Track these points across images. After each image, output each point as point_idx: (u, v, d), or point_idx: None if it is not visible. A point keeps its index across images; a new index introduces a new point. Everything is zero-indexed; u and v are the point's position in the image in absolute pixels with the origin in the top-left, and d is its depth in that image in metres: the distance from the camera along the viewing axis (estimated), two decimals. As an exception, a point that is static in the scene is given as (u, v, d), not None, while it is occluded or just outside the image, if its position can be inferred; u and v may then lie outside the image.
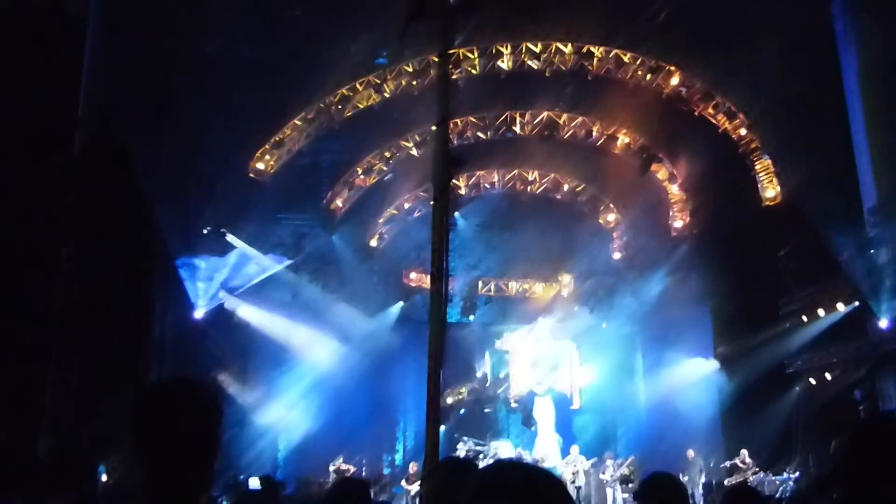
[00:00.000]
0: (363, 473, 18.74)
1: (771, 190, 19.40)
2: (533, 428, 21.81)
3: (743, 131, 19.43)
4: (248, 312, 19.56)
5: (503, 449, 19.57)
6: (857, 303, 17.52)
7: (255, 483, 13.46)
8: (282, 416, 19.65)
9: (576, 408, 22.58)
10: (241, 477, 15.77)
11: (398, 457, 22.18)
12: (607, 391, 22.73)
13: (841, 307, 18.02)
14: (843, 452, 2.33)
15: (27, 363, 11.38)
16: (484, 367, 22.68)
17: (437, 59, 2.17)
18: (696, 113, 19.41)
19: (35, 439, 11.51)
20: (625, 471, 18.11)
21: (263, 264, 19.87)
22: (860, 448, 2.30)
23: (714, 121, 19.48)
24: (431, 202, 2.04)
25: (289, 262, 20.41)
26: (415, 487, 17.38)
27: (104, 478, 13.46)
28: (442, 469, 3.28)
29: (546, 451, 19.84)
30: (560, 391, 22.20)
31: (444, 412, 21.11)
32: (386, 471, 20.54)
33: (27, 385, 11.43)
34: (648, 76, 19.01)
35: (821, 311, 18.53)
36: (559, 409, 21.74)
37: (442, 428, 17.44)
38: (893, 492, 2.19)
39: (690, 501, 16.11)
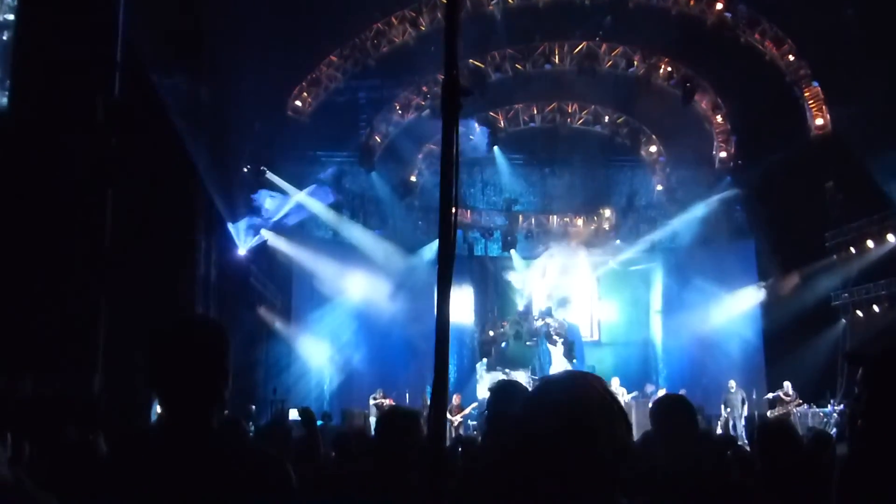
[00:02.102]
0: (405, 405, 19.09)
1: (820, 119, 18.86)
2: (575, 360, 21.98)
3: (791, 58, 18.83)
4: (289, 250, 19.77)
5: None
6: (908, 235, 17.16)
7: (294, 414, 13.85)
8: (326, 351, 20.02)
9: (594, 339, 22.85)
10: (288, 410, 16.18)
11: (441, 390, 22.52)
12: (636, 324, 22.83)
13: (891, 239, 17.65)
14: (864, 381, 2.32)
15: (80, 305, 11.69)
16: (525, 301, 22.76)
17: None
18: (742, 40, 18.81)
19: (90, 377, 11.87)
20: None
21: (304, 201, 20.00)
22: (879, 377, 2.28)
23: (760, 48, 18.89)
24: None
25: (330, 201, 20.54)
26: (457, 419, 17.69)
27: (158, 411, 13.93)
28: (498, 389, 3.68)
29: None
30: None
31: (485, 346, 21.58)
32: (430, 403, 20.88)
33: (81, 326, 11.75)
34: (692, 2, 18.43)
35: (870, 243, 18.17)
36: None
37: (484, 361, 17.69)
38: None
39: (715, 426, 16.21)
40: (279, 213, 19.15)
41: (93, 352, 11.97)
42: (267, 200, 18.80)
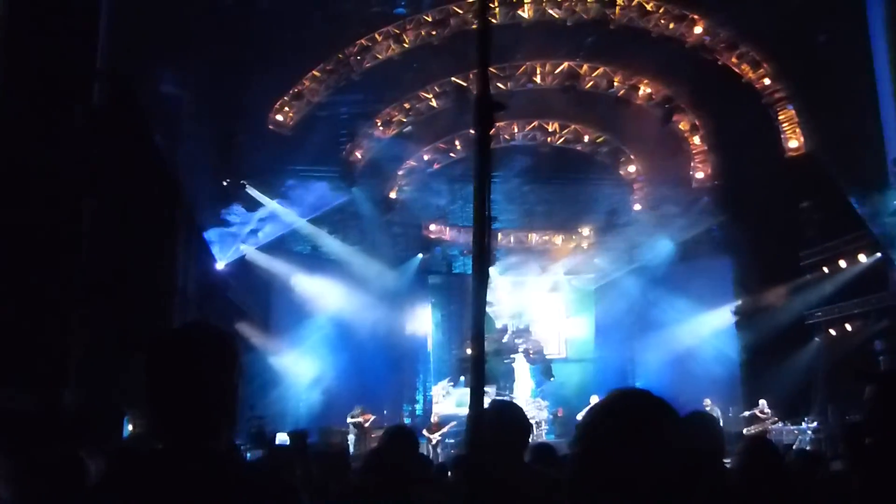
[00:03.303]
0: (384, 423, 19.01)
1: (794, 141, 19.15)
2: (552, 378, 22.05)
3: (767, 81, 19.13)
4: (269, 265, 19.69)
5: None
6: (878, 254, 17.43)
7: (283, 437, 13.66)
8: (304, 367, 19.90)
9: (561, 357, 23.14)
10: (267, 428, 16.03)
11: (419, 407, 22.47)
12: (612, 341, 22.85)
13: (863, 259, 17.94)
14: (874, 399, 2.33)
15: (52, 317, 11.55)
16: (504, 319, 22.79)
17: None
18: (720, 62, 19.10)
19: (61, 392, 11.72)
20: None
21: (283, 216, 19.94)
22: (890, 395, 2.31)
23: (738, 70, 19.18)
24: (474, 139, 2.02)
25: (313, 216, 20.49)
26: (436, 437, 17.63)
27: (129, 428, 13.74)
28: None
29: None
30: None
31: (464, 363, 21.54)
32: (406, 420, 20.81)
33: (53, 339, 11.61)
34: (672, 25, 18.70)
35: (842, 263, 18.44)
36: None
37: (461, 379, 17.63)
38: None
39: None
40: (252, 222, 19.03)
41: (65, 365, 11.82)
42: (235, 215, 18.68)
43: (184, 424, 2.04)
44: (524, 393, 20.75)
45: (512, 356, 22.04)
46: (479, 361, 1.94)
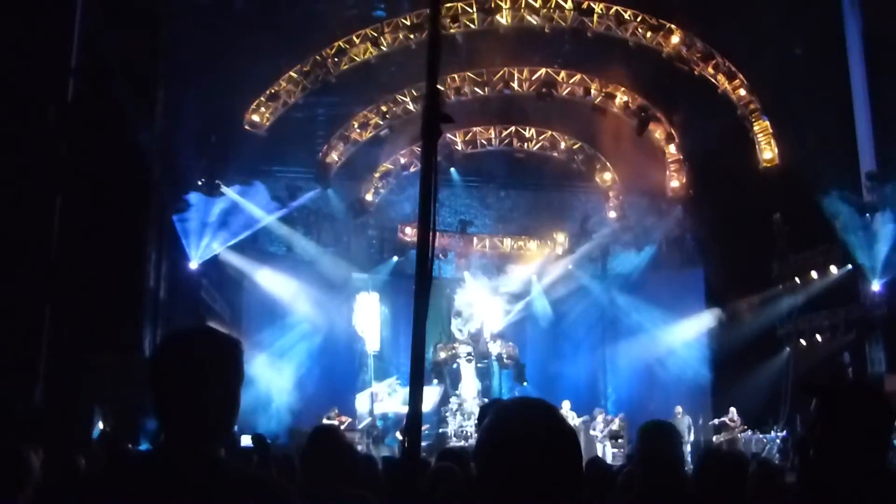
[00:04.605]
0: (357, 425, 18.91)
1: (769, 152, 19.33)
2: (525, 384, 22.02)
3: (742, 92, 19.30)
4: (241, 264, 19.53)
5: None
6: (849, 266, 17.64)
7: (246, 440, 13.55)
8: (275, 368, 19.73)
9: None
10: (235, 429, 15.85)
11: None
12: (584, 349, 22.68)
13: (834, 270, 18.16)
14: (816, 413, 2.39)
15: (23, 313, 11.42)
16: (476, 323, 22.74)
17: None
18: (696, 73, 19.24)
19: (31, 389, 11.58)
20: (614, 427, 18.31)
21: (258, 216, 19.80)
22: (832, 409, 2.36)
23: (714, 81, 19.33)
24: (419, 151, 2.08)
25: (283, 213, 20.33)
26: (408, 440, 17.55)
27: (100, 425, 13.58)
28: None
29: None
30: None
31: (437, 367, 21.49)
32: (379, 423, 20.71)
33: (23, 335, 11.47)
34: (649, 34, 18.82)
35: (814, 275, 18.65)
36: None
37: (434, 382, 17.48)
38: (861, 452, 2.26)
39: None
40: (226, 221, 18.83)
41: (35, 361, 11.69)
42: (208, 214, 18.48)
43: (182, 427, 2.06)
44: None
45: (485, 361, 22.02)
46: (419, 362, 1.96)
